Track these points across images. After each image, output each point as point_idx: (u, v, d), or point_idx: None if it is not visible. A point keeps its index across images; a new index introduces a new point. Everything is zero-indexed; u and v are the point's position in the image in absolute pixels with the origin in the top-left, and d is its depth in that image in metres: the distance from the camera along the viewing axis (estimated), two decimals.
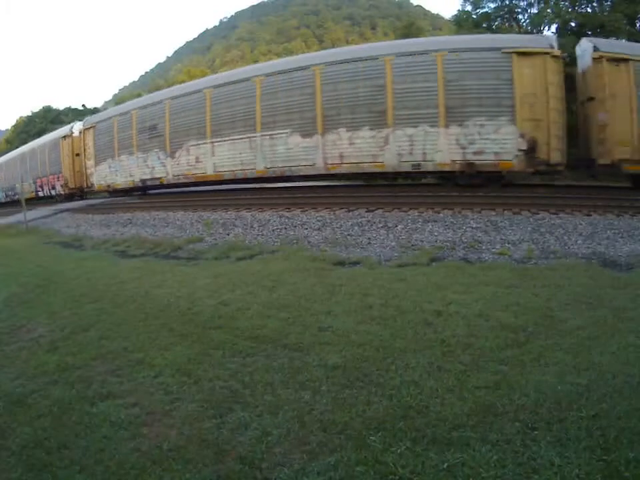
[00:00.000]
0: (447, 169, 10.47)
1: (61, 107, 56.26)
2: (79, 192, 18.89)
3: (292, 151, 11.62)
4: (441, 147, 10.32)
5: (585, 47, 10.88)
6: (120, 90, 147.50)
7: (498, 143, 10.08)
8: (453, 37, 13.16)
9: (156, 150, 14.32)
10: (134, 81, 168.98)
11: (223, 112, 12.61)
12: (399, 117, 10.57)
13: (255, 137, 12.01)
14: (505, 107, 10.02)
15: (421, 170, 10.76)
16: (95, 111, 46.76)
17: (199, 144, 13.02)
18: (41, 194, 20.32)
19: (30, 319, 4.56)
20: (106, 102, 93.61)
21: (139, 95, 32.54)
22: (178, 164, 13.71)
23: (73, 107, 55.98)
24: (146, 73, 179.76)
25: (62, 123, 34.62)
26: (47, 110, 55.52)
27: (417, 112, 10.42)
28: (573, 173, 12.83)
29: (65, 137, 18.88)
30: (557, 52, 10.01)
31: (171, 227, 10.43)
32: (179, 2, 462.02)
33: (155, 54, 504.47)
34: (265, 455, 2.14)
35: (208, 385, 2.86)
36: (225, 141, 12.59)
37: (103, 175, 16.53)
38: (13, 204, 21.06)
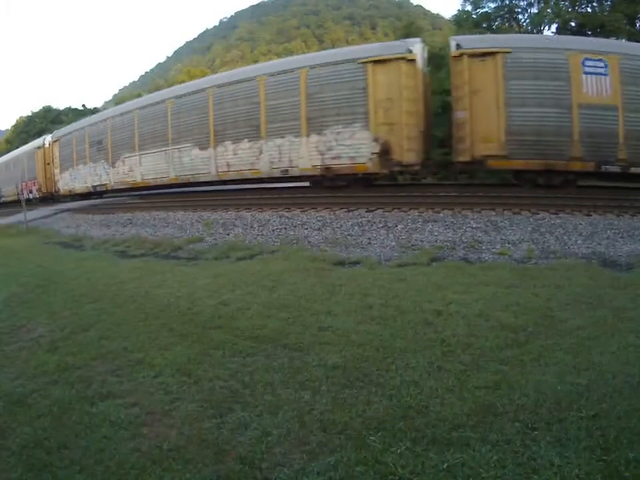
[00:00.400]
0: (309, 173, 11.68)
1: (61, 107, 56.30)
2: (50, 195, 21.09)
3: (194, 161, 13.52)
4: (303, 154, 11.55)
5: (451, 46, 10.97)
6: (120, 90, 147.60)
7: (353, 147, 11.00)
8: (316, 54, 14.41)
9: (102, 161, 16.85)
10: (134, 81, 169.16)
11: (146, 130, 14.87)
12: (270, 129, 11.95)
13: (167, 150, 14.19)
14: (360, 114, 10.88)
15: (289, 175, 12.01)
16: (94, 110, 46.78)
17: (131, 156, 15.40)
18: (21, 197, 23.17)
19: (30, 319, 4.57)
20: (106, 102, 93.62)
21: (139, 95, 32.82)
22: (117, 172, 16.13)
23: (73, 106, 56.01)
24: (146, 73, 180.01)
25: (62, 123, 36.13)
26: (47, 110, 55.52)
27: (284, 124, 11.72)
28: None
29: (39, 147, 21.47)
30: (412, 56, 10.47)
31: (171, 227, 10.44)
32: (179, 2, 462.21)
33: (155, 54, 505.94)
34: (264, 455, 2.14)
35: (208, 385, 2.86)
36: (148, 153, 14.84)
37: (66, 181, 19.18)
38: (10, 204, 22.96)
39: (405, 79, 10.47)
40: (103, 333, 3.98)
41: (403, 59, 10.51)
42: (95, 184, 17.33)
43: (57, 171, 19.61)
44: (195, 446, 2.25)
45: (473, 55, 10.24)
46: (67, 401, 2.79)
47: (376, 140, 10.75)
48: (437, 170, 12.76)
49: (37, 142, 22.58)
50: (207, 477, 2.03)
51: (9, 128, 62.68)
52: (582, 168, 10.06)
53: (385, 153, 10.71)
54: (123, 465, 2.14)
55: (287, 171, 11.91)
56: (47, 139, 21.04)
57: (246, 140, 12.35)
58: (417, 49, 10.74)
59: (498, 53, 10.06)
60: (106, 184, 16.79)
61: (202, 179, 13.57)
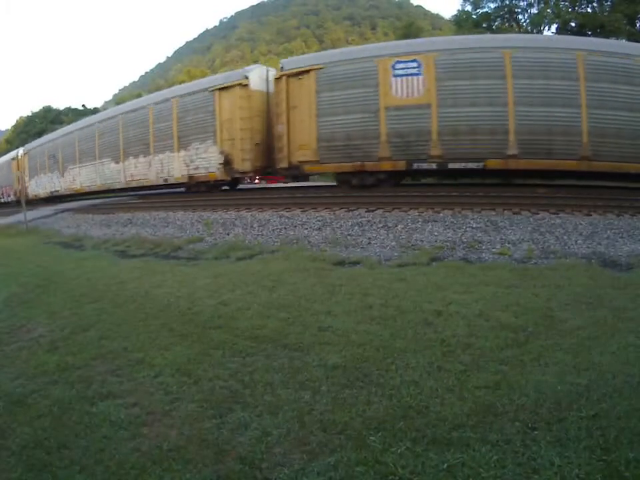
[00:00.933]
0: (180, 180, 14.60)
1: (61, 107, 56.35)
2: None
3: (112, 172, 16.93)
4: (175, 166, 14.46)
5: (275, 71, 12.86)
6: (120, 90, 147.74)
7: (207, 160, 13.56)
8: (184, 85, 17.61)
9: (56, 171, 20.56)
10: (134, 81, 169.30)
11: (83, 147, 18.52)
12: (156, 147, 14.95)
13: (96, 163, 17.73)
14: (211, 133, 13.37)
15: (169, 182, 14.97)
16: (95, 110, 46.82)
17: (74, 168, 19.10)
18: (2, 200, 27.43)
19: (30, 319, 4.56)
20: (106, 102, 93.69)
21: (139, 95, 33.21)
22: (66, 181, 19.89)
23: (72, 106, 56.06)
24: (146, 73, 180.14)
25: (62, 123, 37.03)
26: (47, 110, 55.58)
27: (164, 142, 14.64)
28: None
29: (13, 159, 25.34)
30: (245, 81, 12.63)
31: (171, 226, 10.44)
32: (179, 2, 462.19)
33: (155, 54, 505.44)
34: (264, 455, 2.14)
35: (208, 385, 2.86)
36: (84, 166, 18.43)
37: (33, 187, 23.08)
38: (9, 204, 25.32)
39: (239, 101, 12.62)
40: (103, 332, 3.98)
41: (239, 84, 12.64)
42: (52, 190, 21.18)
43: (26, 179, 23.40)
44: (195, 446, 2.25)
45: (291, 75, 11.79)
46: (66, 401, 2.79)
47: (221, 153, 13.14)
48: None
49: (13, 154, 26.78)
50: (206, 476, 2.03)
51: (9, 128, 62.72)
52: (392, 167, 10.81)
53: (227, 163, 13.03)
54: (122, 464, 2.14)
55: (166, 179, 14.88)
56: (20, 151, 24.46)
57: (142, 155, 15.53)
58: (253, 74, 12.90)
59: (312, 70, 11.44)
60: (58, 190, 20.63)
61: (117, 186, 17.04)
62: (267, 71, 13.50)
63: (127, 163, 16.19)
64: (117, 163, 16.62)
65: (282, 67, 12.18)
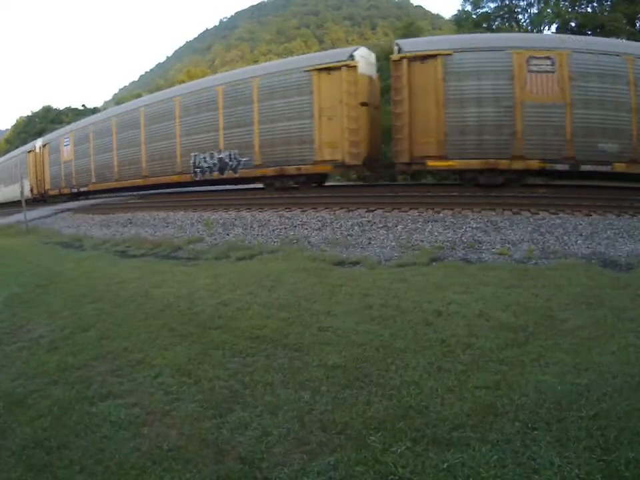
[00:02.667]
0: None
1: (61, 107, 56.32)
2: None
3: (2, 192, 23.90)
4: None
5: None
6: (120, 90, 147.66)
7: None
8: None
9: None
10: (134, 81, 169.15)
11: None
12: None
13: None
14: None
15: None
16: (95, 110, 46.80)
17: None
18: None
19: (30, 319, 4.57)
20: (106, 102, 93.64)
21: (139, 95, 33.28)
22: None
23: (72, 106, 56.01)
24: (146, 72, 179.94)
25: (62, 123, 37.12)
26: (47, 110, 55.54)
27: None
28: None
29: None
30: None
31: (171, 227, 10.43)
32: (179, 2, 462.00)
33: (155, 54, 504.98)
34: (265, 455, 2.14)
35: (208, 385, 2.86)
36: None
37: None
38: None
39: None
40: (103, 333, 3.98)
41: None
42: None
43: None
44: (194, 446, 2.25)
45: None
46: (66, 401, 2.79)
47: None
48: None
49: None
50: (206, 476, 2.03)
51: (9, 128, 62.69)
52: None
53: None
54: (122, 465, 2.14)
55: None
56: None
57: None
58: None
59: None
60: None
61: (6, 201, 22.71)
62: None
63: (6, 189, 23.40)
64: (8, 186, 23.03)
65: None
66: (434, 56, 10.31)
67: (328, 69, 11.30)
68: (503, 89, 9.99)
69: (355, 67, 11.02)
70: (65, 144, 16.25)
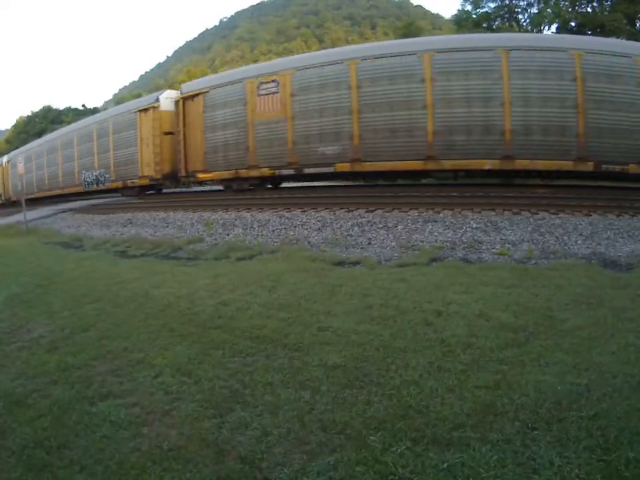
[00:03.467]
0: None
1: (61, 107, 56.35)
2: None
3: None
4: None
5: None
6: (120, 90, 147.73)
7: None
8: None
9: None
10: (134, 81, 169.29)
11: None
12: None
13: None
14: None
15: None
16: (95, 110, 46.83)
17: None
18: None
19: (30, 319, 4.57)
20: (106, 102, 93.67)
21: (139, 95, 33.41)
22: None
23: (73, 106, 56.04)
24: (146, 72, 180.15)
25: (62, 123, 37.02)
26: (47, 110, 55.58)
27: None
28: None
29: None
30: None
31: (171, 227, 10.43)
32: (179, 2, 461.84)
33: (155, 54, 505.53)
34: (265, 455, 2.14)
35: (208, 385, 2.86)
36: None
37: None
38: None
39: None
40: (103, 332, 3.98)
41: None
42: None
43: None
44: (194, 446, 2.25)
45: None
46: (66, 401, 2.79)
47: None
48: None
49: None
50: (206, 476, 2.03)
51: (9, 128, 62.70)
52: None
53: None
54: (122, 464, 2.15)
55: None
56: None
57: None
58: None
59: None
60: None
61: None
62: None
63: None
64: None
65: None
66: (198, 94, 13.79)
67: (145, 110, 15.64)
68: (240, 113, 12.78)
69: (158, 107, 15.25)
70: (19, 161, 18.86)
